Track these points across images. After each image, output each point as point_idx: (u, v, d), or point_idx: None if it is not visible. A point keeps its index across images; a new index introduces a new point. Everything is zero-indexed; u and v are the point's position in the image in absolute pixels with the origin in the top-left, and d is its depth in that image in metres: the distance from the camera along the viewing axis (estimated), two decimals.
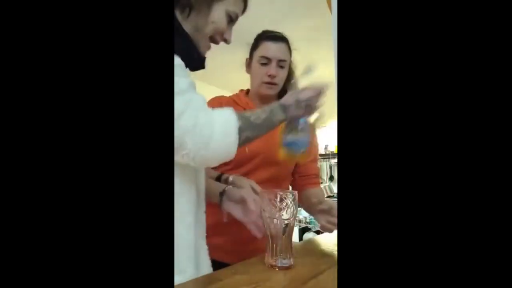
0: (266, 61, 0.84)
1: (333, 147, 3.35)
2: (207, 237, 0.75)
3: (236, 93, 0.95)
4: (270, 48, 0.84)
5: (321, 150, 3.40)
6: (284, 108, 0.57)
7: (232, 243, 0.79)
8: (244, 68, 0.93)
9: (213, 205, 0.77)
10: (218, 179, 0.74)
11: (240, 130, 0.48)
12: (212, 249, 0.67)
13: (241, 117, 0.50)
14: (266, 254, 0.51)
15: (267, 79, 0.84)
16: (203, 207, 0.60)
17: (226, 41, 0.61)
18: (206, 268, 0.59)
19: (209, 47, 0.61)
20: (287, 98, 0.59)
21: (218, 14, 0.57)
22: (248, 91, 0.94)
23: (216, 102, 0.89)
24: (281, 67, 0.86)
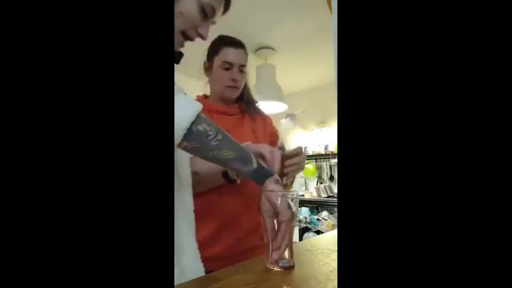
0: (228, 66, 0.89)
1: (333, 147, 3.35)
2: (205, 248, 0.74)
3: (195, 99, 1.00)
4: (232, 54, 0.89)
5: (321, 150, 3.40)
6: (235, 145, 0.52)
7: (229, 249, 0.81)
8: (202, 72, 0.97)
9: (210, 215, 0.79)
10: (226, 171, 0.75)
11: (193, 125, 0.43)
12: (211, 260, 0.67)
13: (206, 121, 0.45)
14: (266, 254, 0.51)
15: (231, 83, 0.89)
16: (182, 194, 0.59)
17: (202, 36, 0.56)
18: (187, 251, 0.57)
19: (181, 43, 0.56)
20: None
21: (187, 4, 0.53)
22: (205, 96, 0.98)
23: None
24: (242, 71, 0.92)
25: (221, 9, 0.58)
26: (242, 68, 0.91)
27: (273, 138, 0.99)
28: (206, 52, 0.94)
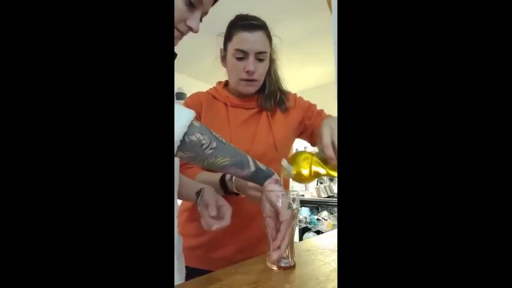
0: (242, 55, 0.73)
1: None
2: (212, 250, 0.74)
3: (214, 86, 0.86)
4: (246, 40, 0.72)
5: None
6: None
7: (237, 253, 0.77)
8: (219, 60, 0.82)
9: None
10: (223, 179, 0.68)
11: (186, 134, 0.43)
12: (217, 262, 0.66)
13: (199, 129, 0.45)
14: (267, 254, 0.51)
15: (245, 76, 0.74)
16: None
17: (191, 29, 0.53)
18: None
19: (175, 38, 0.53)
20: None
21: None
22: (226, 82, 0.85)
23: (195, 99, 0.82)
24: (260, 60, 0.74)
25: None
26: (260, 56, 0.74)
27: (307, 114, 0.84)
28: (223, 38, 0.79)
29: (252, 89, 0.78)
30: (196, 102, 0.80)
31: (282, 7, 2.02)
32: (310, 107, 0.87)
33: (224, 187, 0.68)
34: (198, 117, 0.79)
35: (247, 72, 0.74)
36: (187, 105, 0.81)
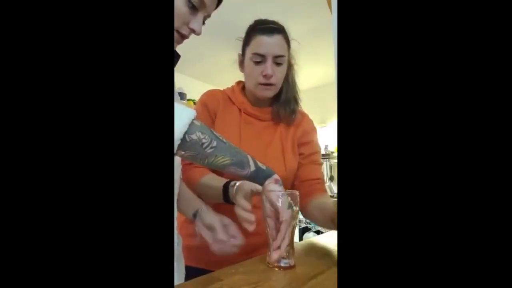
0: (260, 59, 0.73)
1: (333, 147, 3.35)
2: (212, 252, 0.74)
3: (233, 87, 0.85)
4: (264, 43, 0.72)
5: (321, 150, 3.38)
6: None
7: (238, 256, 0.76)
8: (237, 66, 0.82)
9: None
10: (226, 186, 0.66)
11: (187, 133, 0.44)
12: (217, 264, 0.66)
13: (200, 128, 0.46)
14: (267, 254, 0.51)
15: (263, 80, 0.74)
16: None
17: (194, 31, 0.53)
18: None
19: (175, 42, 0.54)
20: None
21: (175, 1, 0.49)
22: (243, 86, 0.85)
23: (211, 95, 0.81)
24: (278, 64, 0.74)
25: (213, 1, 0.55)
26: (278, 59, 0.74)
27: (307, 148, 0.83)
28: (241, 43, 0.79)
29: (269, 93, 0.77)
30: (214, 100, 0.79)
31: (282, 7, 2.02)
32: (306, 143, 0.85)
33: (225, 195, 0.66)
34: (214, 116, 0.78)
35: (265, 76, 0.73)
36: (204, 101, 0.80)
